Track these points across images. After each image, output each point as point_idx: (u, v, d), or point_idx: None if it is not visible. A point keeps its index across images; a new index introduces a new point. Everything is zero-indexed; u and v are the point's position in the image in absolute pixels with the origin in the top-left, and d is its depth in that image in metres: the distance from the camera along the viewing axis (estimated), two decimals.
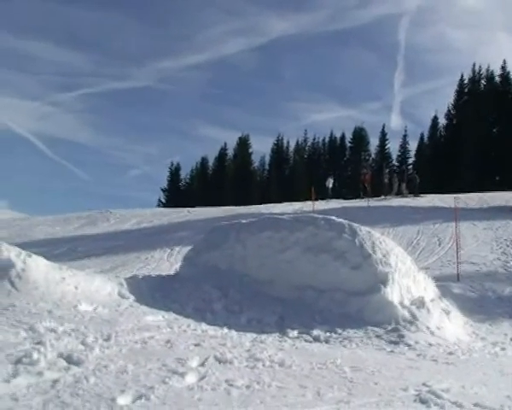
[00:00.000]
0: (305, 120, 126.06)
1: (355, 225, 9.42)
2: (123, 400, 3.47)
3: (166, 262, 15.32)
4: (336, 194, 39.03)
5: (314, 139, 67.39)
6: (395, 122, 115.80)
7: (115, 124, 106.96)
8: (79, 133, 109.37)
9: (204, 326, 6.94)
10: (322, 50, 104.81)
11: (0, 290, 6.96)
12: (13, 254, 7.55)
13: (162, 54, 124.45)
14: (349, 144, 64.58)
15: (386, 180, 34.42)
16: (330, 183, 35.63)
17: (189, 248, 11.89)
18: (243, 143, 67.91)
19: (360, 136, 63.45)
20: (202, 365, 4.62)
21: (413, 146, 62.57)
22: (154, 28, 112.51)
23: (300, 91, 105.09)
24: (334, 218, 9.73)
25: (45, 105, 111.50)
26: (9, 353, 4.27)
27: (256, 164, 69.17)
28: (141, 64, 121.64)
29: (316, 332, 7.16)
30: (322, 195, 32.31)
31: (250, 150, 68.51)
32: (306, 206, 26.69)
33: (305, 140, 67.78)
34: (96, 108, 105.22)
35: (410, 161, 61.60)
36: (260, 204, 32.60)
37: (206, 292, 8.70)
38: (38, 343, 4.68)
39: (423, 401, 4.11)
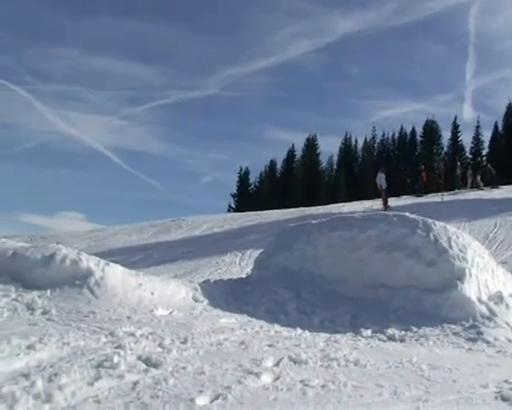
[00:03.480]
0: (373, 117, 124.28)
1: (429, 220, 9.18)
2: (201, 400, 3.54)
3: (238, 266, 15.47)
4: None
5: (383, 136, 66.20)
6: (467, 113, 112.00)
7: (185, 133, 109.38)
8: (151, 144, 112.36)
9: (277, 327, 6.97)
10: (390, 45, 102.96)
11: (80, 298, 7.27)
12: (92, 263, 7.87)
13: (229, 61, 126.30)
14: (420, 139, 62.97)
15: (459, 173, 33.43)
16: (383, 178, 25.11)
17: (259, 251, 11.97)
18: (311, 144, 67.62)
19: (431, 129, 61.68)
20: (277, 365, 4.63)
21: (487, 136, 60.29)
22: (221, 37, 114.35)
23: (368, 88, 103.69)
24: (406, 214, 9.53)
25: (118, 119, 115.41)
26: (91, 358, 4.44)
27: (324, 164, 68.77)
28: (209, 73, 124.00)
29: (390, 331, 7.03)
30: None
31: (318, 151, 68.13)
32: (376, 204, 26.27)
33: (374, 137, 66.75)
34: (167, 119, 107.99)
35: (485, 152, 59.40)
36: (329, 204, 32.36)
37: (278, 294, 8.73)
38: (118, 347, 4.85)
39: (505, 399, 3.95)
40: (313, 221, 10.64)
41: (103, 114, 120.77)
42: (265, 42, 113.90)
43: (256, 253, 13.60)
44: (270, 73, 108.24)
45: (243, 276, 11.37)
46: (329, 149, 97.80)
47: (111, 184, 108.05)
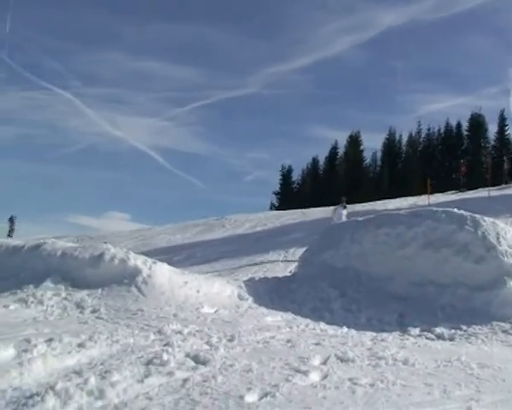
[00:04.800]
0: (417, 112, 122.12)
1: (477, 216, 9.00)
2: (250, 397, 3.55)
3: (281, 264, 15.45)
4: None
5: (428, 130, 64.81)
6: None
7: (228, 132, 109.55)
8: (194, 144, 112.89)
9: (323, 326, 6.94)
10: (435, 38, 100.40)
11: (129, 297, 7.44)
12: (139, 261, 8.03)
13: (271, 59, 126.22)
14: (466, 133, 61.52)
15: (506, 168, 32.59)
16: (342, 215, 17.50)
17: (303, 249, 11.96)
18: (354, 141, 66.81)
19: (477, 123, 60.14)
20: (324, 363, 4.62)
21: None
22: (263, 35, 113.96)
23: (412, 83, 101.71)
24: (454, 210, 9.35)
25: (162, 120, 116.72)
26: (140, 355, 4.53)
27: (367, 160, 67.92)
28: (251, 72, 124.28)
29: (438, 330, 6.90)
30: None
31: (361, 147, 67.35)
32: (421, 200, 25.85)
33: (419, 132, 65.34)
34: (210, 119, 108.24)
35: None
36: (373, 201, 31.98)
37: (323, 292, 8.70)
38: (167, 345, 4.94)
39: None
40: (358, 218, 10.55)
41: (147, 116, 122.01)
42: (307, 39, 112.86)
43: (299, 251, 13.58)
44: (313, 70, 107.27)
45: (287, 274, 11.36)
46: (373, 145, 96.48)
47: (155, 184, 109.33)
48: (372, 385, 3.99)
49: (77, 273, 8.01)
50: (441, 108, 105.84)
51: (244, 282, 9.32)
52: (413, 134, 65.25)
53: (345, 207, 17.71)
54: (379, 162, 66.84)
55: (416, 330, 6.94)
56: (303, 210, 29.43)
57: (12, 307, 6.95)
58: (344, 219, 16.56)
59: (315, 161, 70.60)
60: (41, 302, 7.15)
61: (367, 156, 67.71)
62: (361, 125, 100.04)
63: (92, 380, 3.70)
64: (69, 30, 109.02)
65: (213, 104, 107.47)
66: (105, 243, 9.60)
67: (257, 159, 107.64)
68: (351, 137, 67.06)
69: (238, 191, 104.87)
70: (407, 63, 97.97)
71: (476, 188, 30.13)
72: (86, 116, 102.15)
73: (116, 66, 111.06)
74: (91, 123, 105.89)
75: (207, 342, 5.18)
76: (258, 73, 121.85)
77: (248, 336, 5.62)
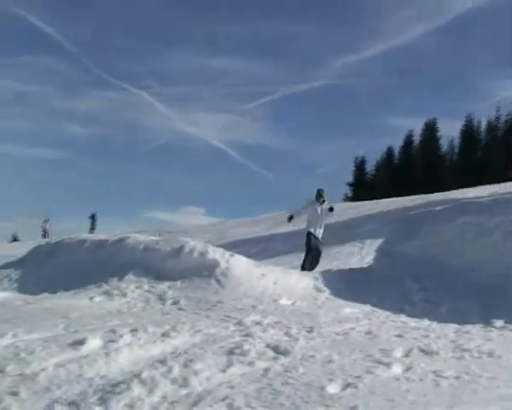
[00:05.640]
0: (495, 98, 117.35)
1: None
2: (332, 388, 3.55)
3: (357, 256, 15.29)
4: None
5: (507, 116, 62.08)
6: None
7: (300, 125, 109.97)
8: (267, 138, 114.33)
9: (403, 318, 6.83)
10: (510, 21, 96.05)
11: (208, 288, 7.60)
12: (217, 254, 8.19)
13: (343, 50, 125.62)
14: None
15: None
16: (319, 207, 11.35)
17: (379, 240, 11.76)
18: (430, 128, 64.91)
19: None
20: (407, 356, 4.54)
21: None
22: (334, 26, 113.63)
23: (489, 68, 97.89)
24: None
25: (235, 116, 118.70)
26: (222, 345, 4.63)
27: (444, 148, 65.84)
28: (322, 64, 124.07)
29: None
30: None
31: (438, 134, 65.39)
32: (503, 188, 24.82)
33: (498, 118, 62.72)
34: (282, 113, 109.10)
35: None
36: (451, 190, 31.03)
37: (402, 283, 8.54)
38: (247, 335, 5.02)
39: None
40: (437, 208, 10.28)
41: (220, 112, 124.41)
42: (380, 27, 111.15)
43: (375, 242, 13.39)
44: (386, 59, 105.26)
45: (364, 265, 11.23)
46: (450, 132, 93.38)
47: (228, 178, 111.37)
48: (457, 378, 3.88)
49: (158, 266, 8.25)
50: None
51: (320, 274, 9.29)
52: (492, 120, 62.74)
53: (323, 202, 11.39)
54: (456, 150, 64.69)
55: (501, 322, 6.68)
56: (377, 200, 28.98)
57: (97, 299, 7.25)
58: (319, 216, 11.46)
59: (390, 150, 69.23)
60: (124, 294, 7.42)
61: (444, 144, 65.70)
62: (437, 112, 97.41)
63: (176, 369, 3.82)
64: (144, 30, 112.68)
65: (285, 97, 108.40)
66: (184, 236, 9.83)
67: (329, 151, 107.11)
68: (426, 124, 65.25)
69: (312, 184, 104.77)
70: (484, 47, 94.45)
71: None
72: (162, 114, 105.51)
73: (189, 64, 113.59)
74: (167, 121, 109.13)
75: (287, 333, 5.22)
76: (331, 64, 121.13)
77: (327, 328, 5.62)
